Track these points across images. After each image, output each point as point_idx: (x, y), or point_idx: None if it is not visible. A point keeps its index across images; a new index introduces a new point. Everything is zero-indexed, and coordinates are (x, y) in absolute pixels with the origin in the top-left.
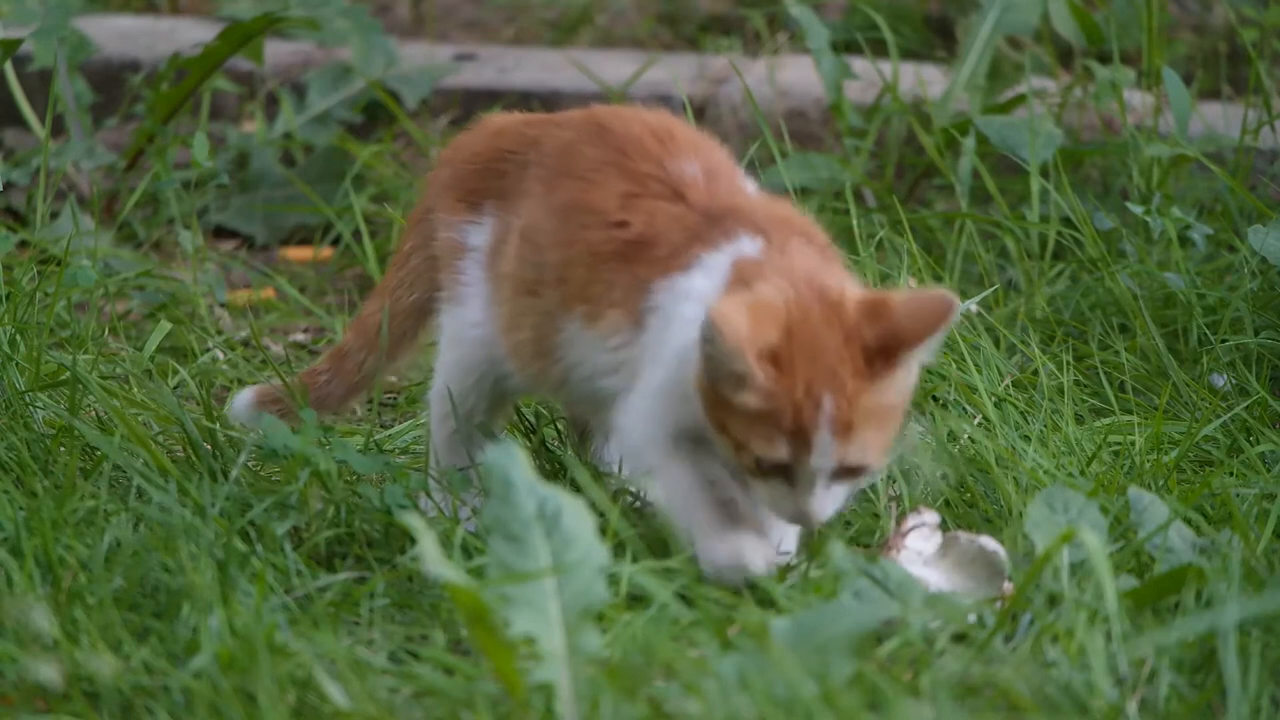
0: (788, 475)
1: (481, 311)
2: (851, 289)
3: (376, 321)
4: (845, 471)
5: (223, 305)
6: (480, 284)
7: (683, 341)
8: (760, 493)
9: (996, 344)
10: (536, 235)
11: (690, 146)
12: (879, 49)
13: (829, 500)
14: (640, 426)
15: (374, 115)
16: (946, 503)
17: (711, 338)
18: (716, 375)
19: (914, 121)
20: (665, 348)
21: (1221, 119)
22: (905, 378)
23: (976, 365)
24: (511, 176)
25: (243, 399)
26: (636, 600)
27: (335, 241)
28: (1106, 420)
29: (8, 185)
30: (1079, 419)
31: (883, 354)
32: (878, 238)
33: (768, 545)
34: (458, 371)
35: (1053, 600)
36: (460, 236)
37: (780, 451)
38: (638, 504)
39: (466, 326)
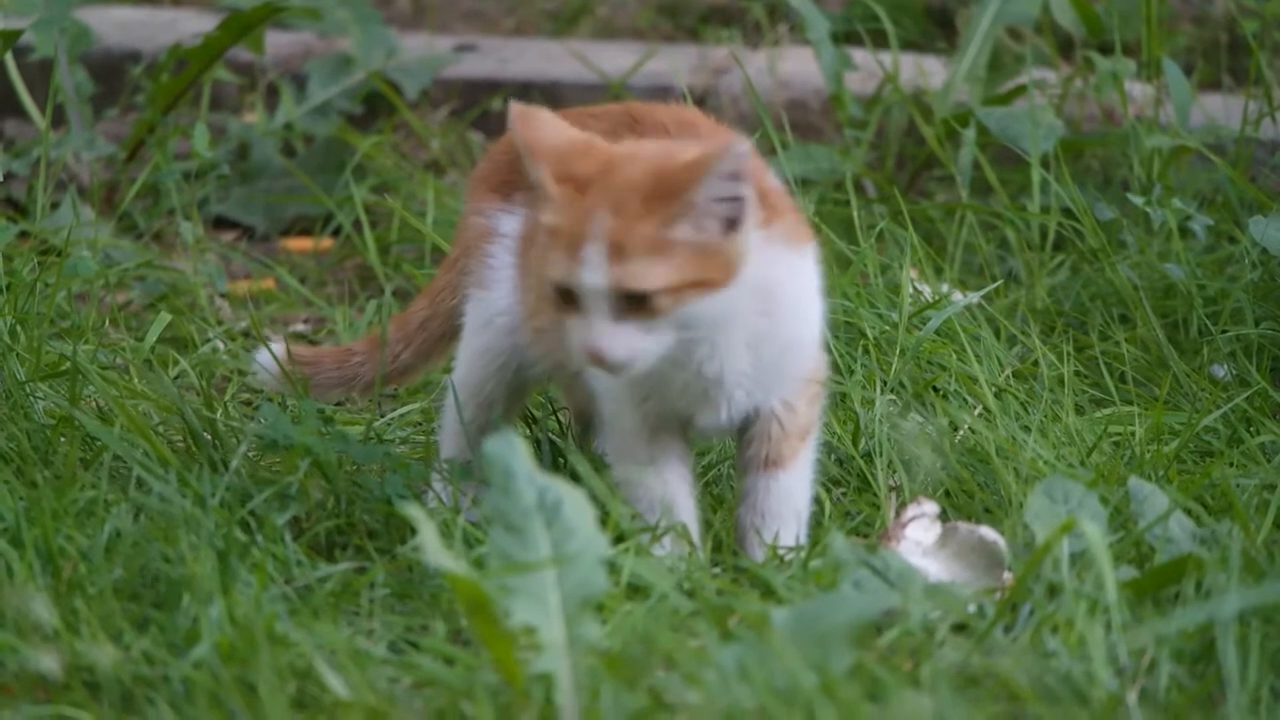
0: (577, 306)
1: (508, 299)
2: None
3: (420, 319)
4: (627, 301)
5: (223, 296)
6: (508, 271)
7: None
8: (565, 339)
9: (997, 335)
10: None
11: (706, 131)
12: (879, 40)
13: (618, 336)
14: (611, 384)
15: (374, 106)
16: (946, 493)
17: (513, 131)
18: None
19: (915, 112)
20: None
21: (1222, 110)
22: (700, 221)
23: (977, 356)
24: None
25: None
26: (636, 590)
27: (336, 232)
28: (1107, 411)
29: (8, 176)
30: (1079, 410)
31: (671, 193)
32: (878, 228)
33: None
34: (481, 358)
35: (1053, 591)
36: (492, 223)
37: (557, 269)
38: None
39: (493, 314)
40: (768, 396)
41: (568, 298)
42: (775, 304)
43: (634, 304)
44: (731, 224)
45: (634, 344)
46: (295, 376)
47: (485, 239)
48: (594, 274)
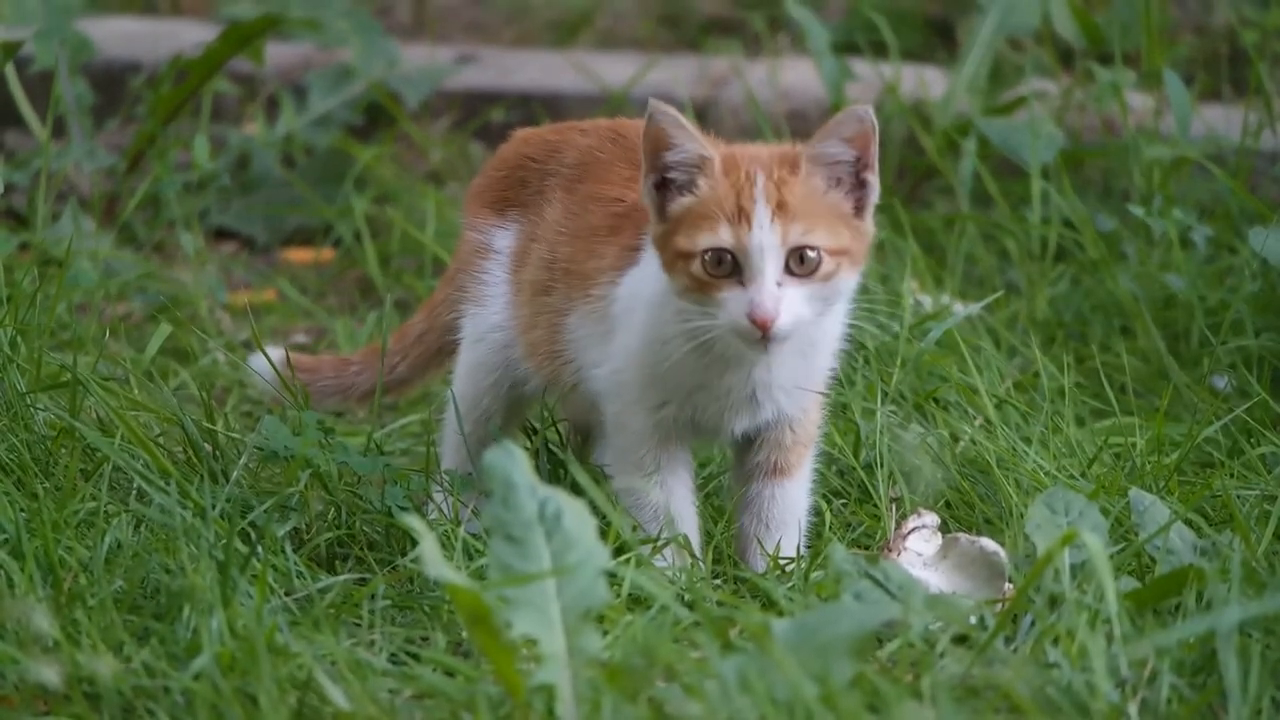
0: (738, 274)
1: (502, 314)
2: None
3: (417, 332)
4: (795, 259)
5: (224, 307)
6: (502, 286)
7: (652, 290)
8: (720, 313)
9: (997, 346)
10: (552, 235)
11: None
12: (880, 50)
13: (783, 300)
14: (621, 390)
15: (375, 117)
16: (947, 504)
17: (659, 123)
18: (677, 171)
19: (915, 123)
20: (637, 298)
21: (1222, 121)
22: (827, 174)
23: (977, 367)
24: (533, 186)
25: (273, 357)
26: (637, 602)
27: (336, 243)
28: (1107, 422)
29: (9, 187)
30: (1080, 421)
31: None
32: (879, 239)
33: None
34: (475, 373)
35: (1054, 602)
36: (486, 239)
37: (723, 235)
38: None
39: (487, 329)
40: (796, 402)
41: (722, 267)
42: (829, 306)
43: (799, 265)
44: (859, 209)
45: (796, 310)
46: (294, 383)
47: (479, 255)
48: (764, 233)
